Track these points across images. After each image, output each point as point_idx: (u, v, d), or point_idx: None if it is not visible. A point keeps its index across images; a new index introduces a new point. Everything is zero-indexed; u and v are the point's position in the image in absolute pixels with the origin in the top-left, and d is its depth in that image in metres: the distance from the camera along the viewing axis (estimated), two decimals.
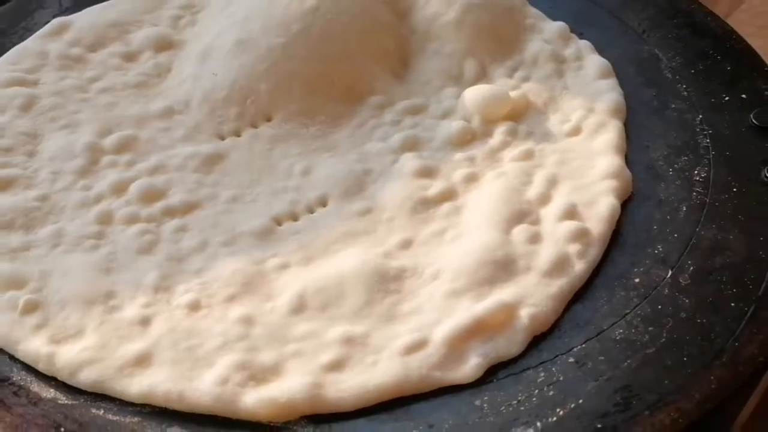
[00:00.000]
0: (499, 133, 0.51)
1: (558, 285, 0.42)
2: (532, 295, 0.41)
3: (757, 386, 0.41)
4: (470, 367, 0.38)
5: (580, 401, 0.37)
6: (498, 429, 0.36)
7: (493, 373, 0.39)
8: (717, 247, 0.43)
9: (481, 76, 0.55)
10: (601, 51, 0.56)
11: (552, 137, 0.50)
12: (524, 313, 0.40)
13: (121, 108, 0.53)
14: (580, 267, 0.42)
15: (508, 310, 0.40)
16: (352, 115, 0.53)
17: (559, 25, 0.58)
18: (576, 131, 0.51)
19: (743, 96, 0.51)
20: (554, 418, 0.36)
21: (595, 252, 0.43)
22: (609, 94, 0.52)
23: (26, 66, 0.56)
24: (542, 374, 0.38)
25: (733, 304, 0.40)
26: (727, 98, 0.51)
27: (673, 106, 0.51)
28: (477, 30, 0.56)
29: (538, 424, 0.36)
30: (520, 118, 0.52)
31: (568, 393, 0.37)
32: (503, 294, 0.41)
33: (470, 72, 0.55)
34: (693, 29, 0.57)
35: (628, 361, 0.38)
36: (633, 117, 0.51)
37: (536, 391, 0.37)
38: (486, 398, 0.37)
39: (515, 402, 0.37)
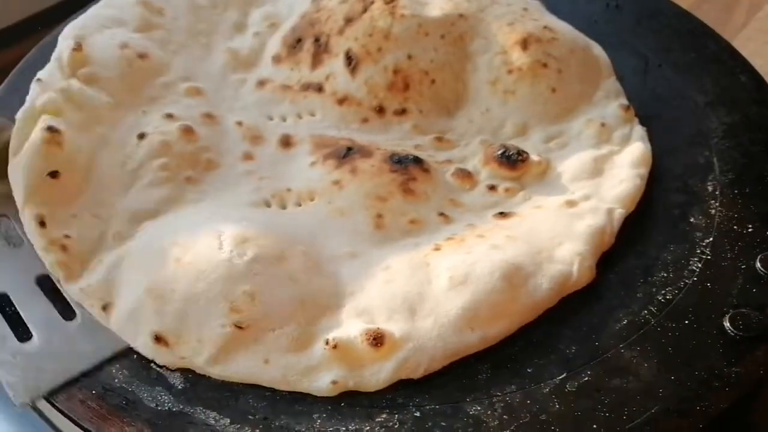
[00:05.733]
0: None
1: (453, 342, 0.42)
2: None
3: None
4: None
5: None
6: None
7: None
8: (623, 368, 0.42)
9: (520, 134, 0.55)
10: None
11: (541, 207, 0.50)
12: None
13: None
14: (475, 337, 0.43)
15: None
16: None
17: (623, 105, 0.56)
18: (570, 205, 0.49)
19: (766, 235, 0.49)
20: None
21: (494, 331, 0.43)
22: (626, 184, 0.50)
23: None
24: None
25: (595, 427, 0.39)
26: (750, 230, 0.49)
27: (691, 220, 0.50)
28: (538, 90, 0.56)
29: None
30: (529, 180, 0.51)
31: None
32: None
33: (510, 128, 0.55)
34: (766, 149, 0.54)
35: None
36: (642, 215, 0.50)
37: None
38: None
39: None
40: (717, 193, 0.51)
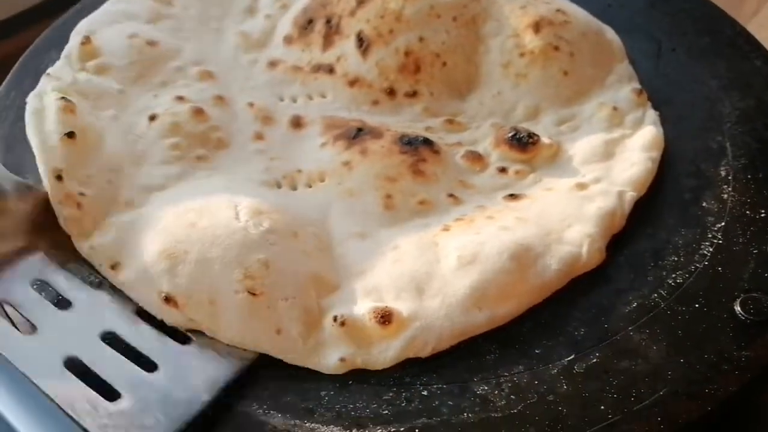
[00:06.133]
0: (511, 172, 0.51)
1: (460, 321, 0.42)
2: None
3: None
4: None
5: None
6: None
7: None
8: (632, 351, 0.42)
9: (532, 117, 0.55)
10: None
11: (552, 189, 0.49)
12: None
13: None
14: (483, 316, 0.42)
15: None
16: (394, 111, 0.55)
17: (635, 89, 0.55)
18: (581, 188, 0.49)
19: None
20: None
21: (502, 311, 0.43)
22: (637, 167, 0.50)
23: None
24: None
25: (603, 408, 0.39)
26: (763, 215, 0.48)
27: (703, 204, 0.49)
28: (550, 73, 0.55)
29: None
30: (539, 163, 0.51)
31: None
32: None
33: (522, 111, 0.55)
34: None
35: None
36: (654, 199, 0.50)
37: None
38: None
39: None
40: (730, 177, 0.50)
